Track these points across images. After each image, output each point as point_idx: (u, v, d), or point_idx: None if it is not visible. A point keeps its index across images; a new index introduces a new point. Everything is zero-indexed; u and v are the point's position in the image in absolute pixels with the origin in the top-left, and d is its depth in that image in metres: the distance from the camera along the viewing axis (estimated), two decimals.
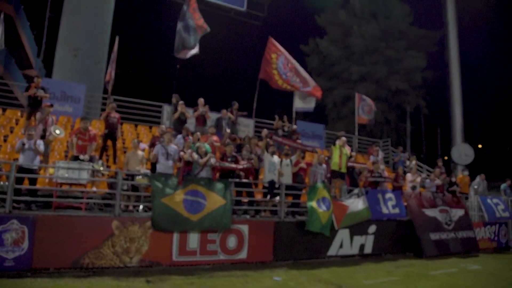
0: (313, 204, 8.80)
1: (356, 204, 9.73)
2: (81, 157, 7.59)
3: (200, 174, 8.15)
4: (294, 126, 13.51)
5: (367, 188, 10.33)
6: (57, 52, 15.17)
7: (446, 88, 27.37)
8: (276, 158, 9.13)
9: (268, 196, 8.81)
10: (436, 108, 31.70)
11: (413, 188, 11.80)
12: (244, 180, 8.72)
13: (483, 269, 9.38)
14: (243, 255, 8.13)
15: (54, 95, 11.59)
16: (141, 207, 8.01)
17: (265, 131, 9.30)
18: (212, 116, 13.11)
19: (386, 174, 11.41)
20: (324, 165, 9.86)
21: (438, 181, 12.32)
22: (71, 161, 7.46)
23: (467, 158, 24.12)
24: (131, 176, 7.83)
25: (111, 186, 7.77)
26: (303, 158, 9.70)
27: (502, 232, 13.10)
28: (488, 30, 31.05)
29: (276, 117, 13.68)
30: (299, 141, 9.66)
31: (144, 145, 11.06)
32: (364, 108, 18.54)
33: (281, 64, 12.20)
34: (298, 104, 15.93)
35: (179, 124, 11.24)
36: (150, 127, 13.19)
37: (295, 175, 9.34)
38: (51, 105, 8.97)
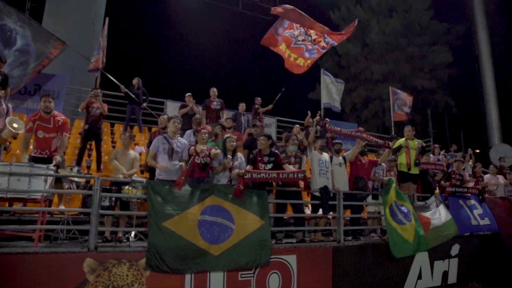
0: (387, 213, 6.12)
1: (439, 216, 7.01)
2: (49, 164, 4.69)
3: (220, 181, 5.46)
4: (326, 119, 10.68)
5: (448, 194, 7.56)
6: None
7: (476, 85, 25.05)
8: (326, 156, 6.38)
9: (320, 210, 6.02)
10: (458, 108, 28.99)
11: (490, 192, 9.13)
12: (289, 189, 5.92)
13: None
14: None
15: (25, 89, 9.04)
16: (132, 234, 5.25)
17: (317, 118, 6.59)
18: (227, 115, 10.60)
19: (467, 176, 8.62)
20: (383, 164, 7.14)
21: None
22: (20, 163, 4.55)
23: (508, 160, 21.70)
24: (115, 186, 5.07)
25: (84, 202, 4.99)
26: (362, 155, 6.90)
27: None
28: None
29: (309, 113, 10.98)
30: (361, 128, 6.83)
31: (140, 149, 8.44)
32: (398, 102, 15.95)
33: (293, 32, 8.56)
34: (326, 99, 13.38)
35: (186, 121, 8.67)
36: (150, 129, 10.54)
37: (354, 179, 6.57)
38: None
